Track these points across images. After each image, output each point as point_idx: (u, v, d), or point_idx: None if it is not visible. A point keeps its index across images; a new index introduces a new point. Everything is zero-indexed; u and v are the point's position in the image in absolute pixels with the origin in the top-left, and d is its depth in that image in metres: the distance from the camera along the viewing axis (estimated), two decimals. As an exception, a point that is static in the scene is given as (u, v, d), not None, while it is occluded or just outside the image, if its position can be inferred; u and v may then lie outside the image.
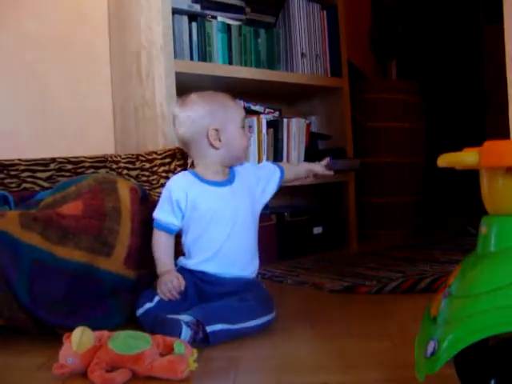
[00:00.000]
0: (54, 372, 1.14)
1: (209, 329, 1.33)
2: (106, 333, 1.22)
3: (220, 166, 1.58)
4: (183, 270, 1.55)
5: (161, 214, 1.56)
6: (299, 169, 1.80)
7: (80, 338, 1.15)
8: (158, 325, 1.34)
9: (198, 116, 1.54)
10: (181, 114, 1.57)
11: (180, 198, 1.54)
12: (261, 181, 1.64)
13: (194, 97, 1.58)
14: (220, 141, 1.54)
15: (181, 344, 1.17)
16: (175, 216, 1.55)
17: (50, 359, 1.23)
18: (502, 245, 0.84)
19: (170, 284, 1.47)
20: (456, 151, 0.86)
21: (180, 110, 1.58)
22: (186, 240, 1.57)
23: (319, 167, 1.74)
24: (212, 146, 1.55)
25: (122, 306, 1.50)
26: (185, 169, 1.76)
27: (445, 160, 0.86)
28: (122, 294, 1.51)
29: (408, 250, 2.67)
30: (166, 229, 1.55)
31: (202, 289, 1.51)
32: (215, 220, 1.53)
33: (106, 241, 1.49)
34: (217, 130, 1.54)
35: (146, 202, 1.64)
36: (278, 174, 1.69)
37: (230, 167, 1.61)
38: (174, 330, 1.30)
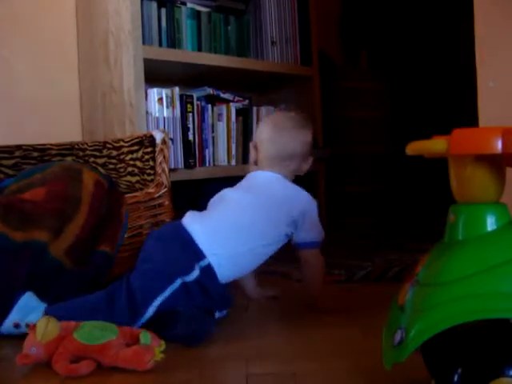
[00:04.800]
0: (18, 362, 1.12)
1: None
2: (72, 323, 1.20)
3: None
4: None
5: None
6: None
7: (45, 328, 1.13)
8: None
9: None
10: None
11: None
12: None
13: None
14: None
15: (147, 334, 1.15)
16: None
17: (12, 350, 1.21)
18: (470, 233, 0.84)
19: None
20: (426, 139, 0.85)
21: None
22: None
23: (250, 292, 1.63)
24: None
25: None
26: (152, 156, 1.73)
27: (413, 148, 0.86)
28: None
29: (376, 239, 2.69)
30: None
31: None
32: None
33: (59, 224, 1.47)
34: None
35: (112, 193, 1.61)
36: None
37: None
38: None
